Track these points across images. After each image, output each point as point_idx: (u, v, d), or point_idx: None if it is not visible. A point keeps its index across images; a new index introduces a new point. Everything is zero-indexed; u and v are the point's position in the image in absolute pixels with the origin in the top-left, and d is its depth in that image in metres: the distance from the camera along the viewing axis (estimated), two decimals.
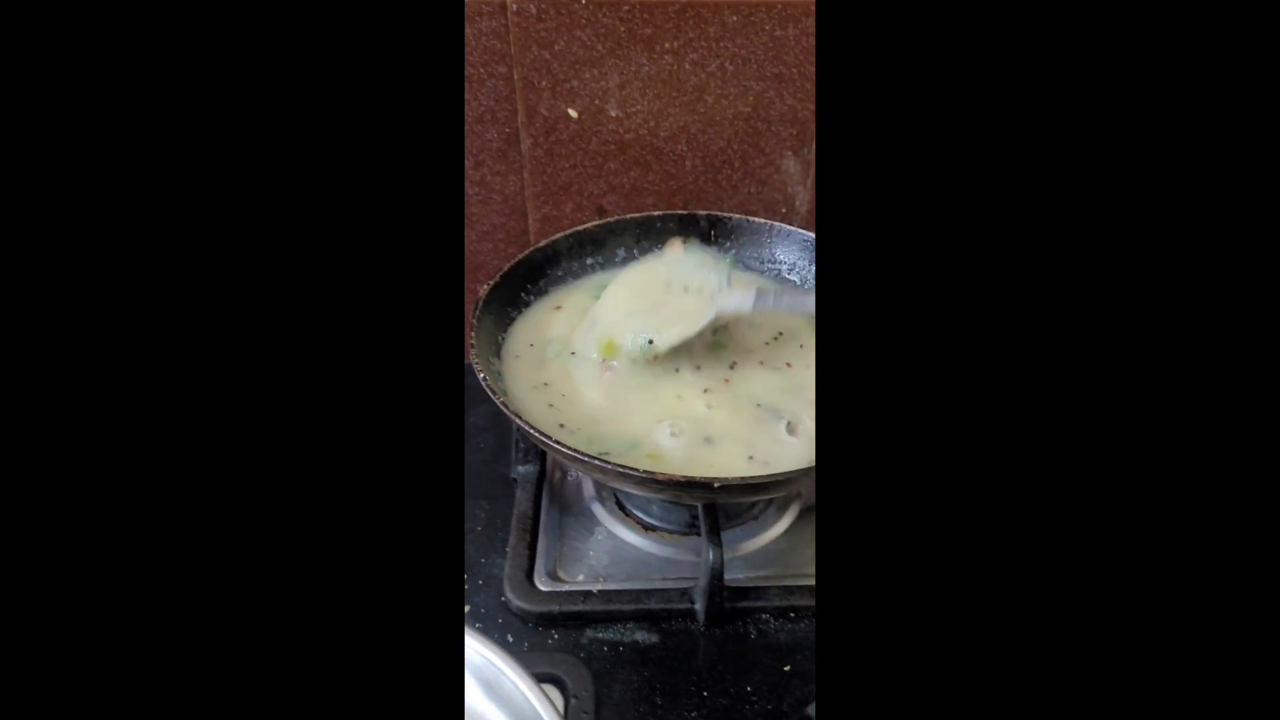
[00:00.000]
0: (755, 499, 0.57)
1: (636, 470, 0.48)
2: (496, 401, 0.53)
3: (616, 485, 0.51)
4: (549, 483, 0.67)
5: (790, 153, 0.81)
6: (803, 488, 0.53)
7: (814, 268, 0.72)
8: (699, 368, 0.62)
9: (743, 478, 0.48)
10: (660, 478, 0.48)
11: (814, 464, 0.49)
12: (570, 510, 0.65)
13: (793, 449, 0.56)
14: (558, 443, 0.50)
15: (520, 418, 0.52)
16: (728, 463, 0.54)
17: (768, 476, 0.48)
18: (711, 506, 0.57)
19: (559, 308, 0.68)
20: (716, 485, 0.48)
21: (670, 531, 0.63)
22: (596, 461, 0.49)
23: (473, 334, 0.59)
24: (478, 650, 0.43)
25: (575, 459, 0.50)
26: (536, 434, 0.51)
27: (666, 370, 0.61)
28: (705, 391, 0.60)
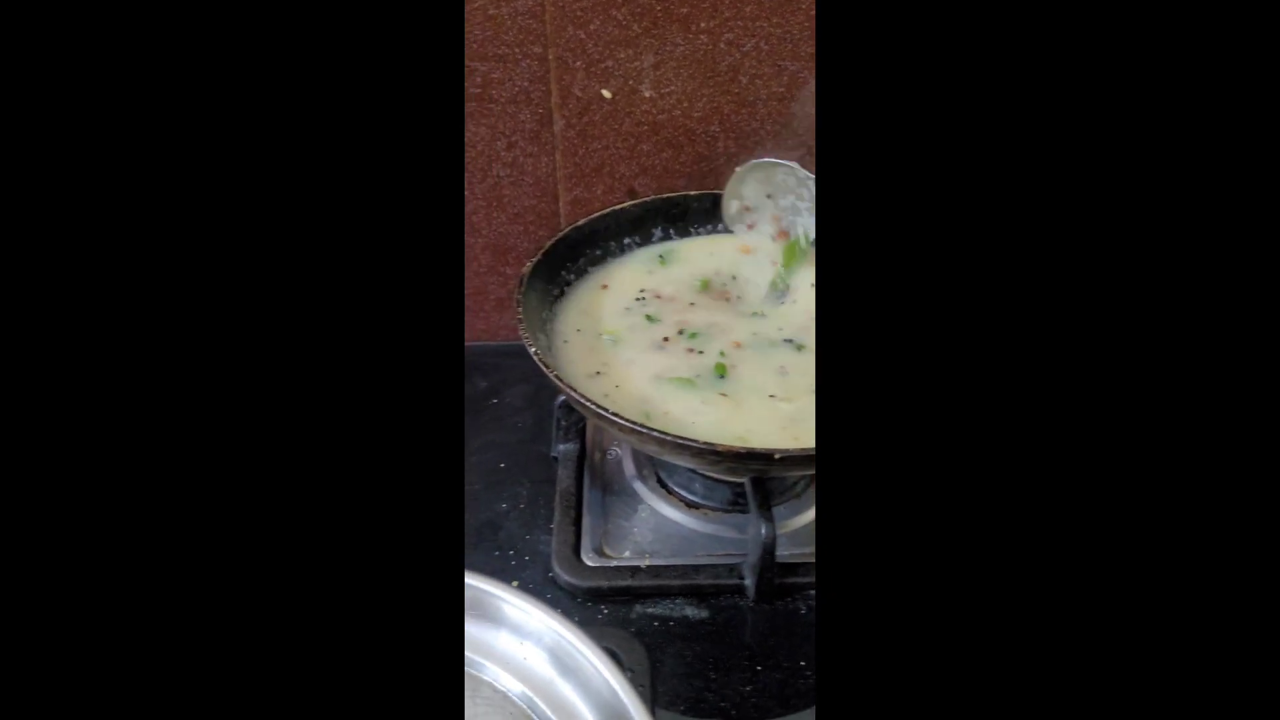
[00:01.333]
0: (808, 472, 0.57)
1: (695, 441, 0.48)
2: (550, 376, 0.53)
3: (672, 459, 0.51)
4: (590, 462, 0.67)
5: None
6: None
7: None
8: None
9: (804, 448, 0.48)
10: (720, 449, 0.48)
11: None
12: (612, 489, 0.65)
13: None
14: (613, 414, 0.50)
15: (575, 390, 0.51)
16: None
17: None
18: (760, 481, 0.57)
19: (605, 286, 0.68)
20: (777, 457, 0.48)
21: (713, 509, 0.63)
22: (654, 433, 0.49)
23: (520, 310, 0.59)
24: (546, 624, 0.43)
25: (631, 430, 0.49)
26: (590, 404, 0.50)
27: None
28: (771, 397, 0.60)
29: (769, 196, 0.71)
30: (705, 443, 0.48)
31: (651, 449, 0.51)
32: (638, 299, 0.68)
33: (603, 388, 0.59)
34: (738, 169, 0.71)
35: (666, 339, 0.63)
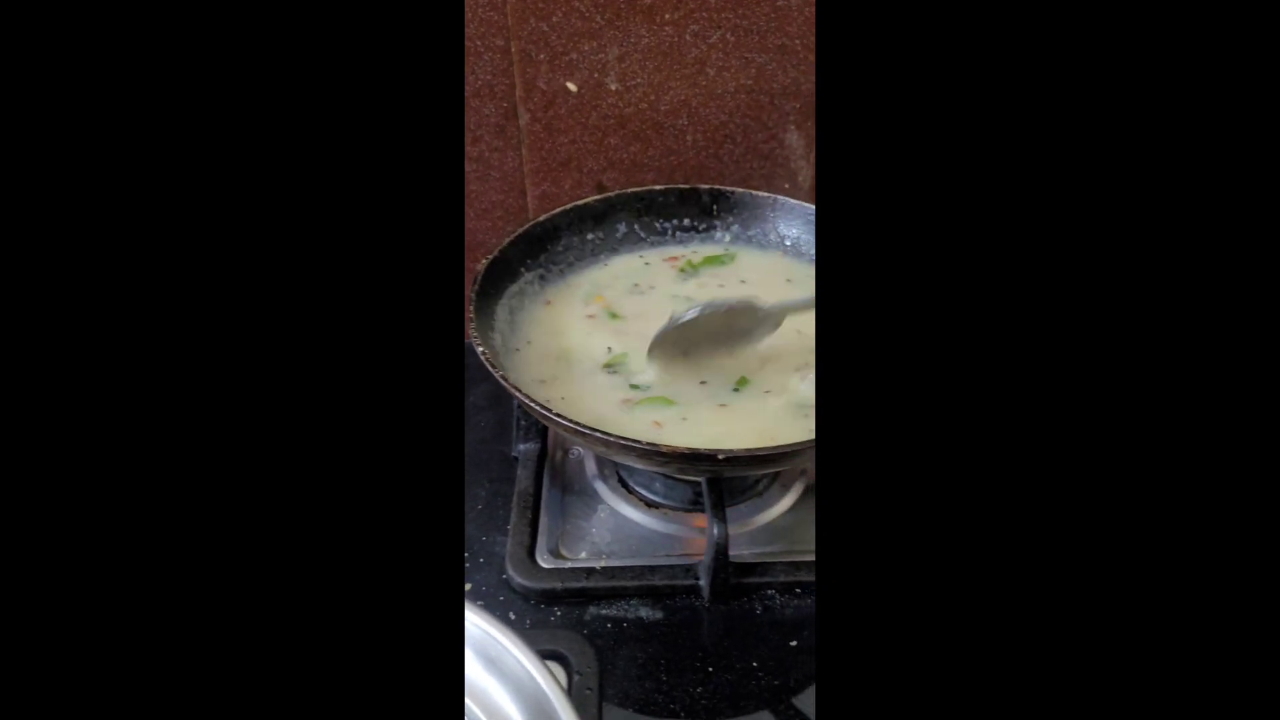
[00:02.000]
0: (761, 472, 0.56)
1: (639, 442, 0.47)
2: (496, 375, 0.52)
3: (619, 459, 0.50)
4: (550, 462, 0.66)
5: (793, 126, 0.80)
6: (809, 462, 0.52)
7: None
8: (703, 382, 0.60)
9: (748, 449, 0.47)
10: (664, 450, 0.47)
11: None
12: (573, 489, 0.65)
13: (801, 425, 0.55)
14: (558, 415, 0.49)
15: (520, 391, 0.51)
16: (735, 440, 0.53)
17: (773, 449, 0.47)
18: (716, 481, 0.56)
19: (549, 303, 0.67)
20: (721, 457, 0.47)
21: (674, 508, 0.62)
22: (598, 434, 0.48)
23: (471, 310, 0.58)
24: (479, 625, 0.43)
25: (577, 431, 0.49)
26: (537, 407, 0.50)
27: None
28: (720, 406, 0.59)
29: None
30: (649, 443, 0.47)
31: (598, 449, 0.50)
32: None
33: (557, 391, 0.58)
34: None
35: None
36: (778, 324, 0.60)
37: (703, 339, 0.59)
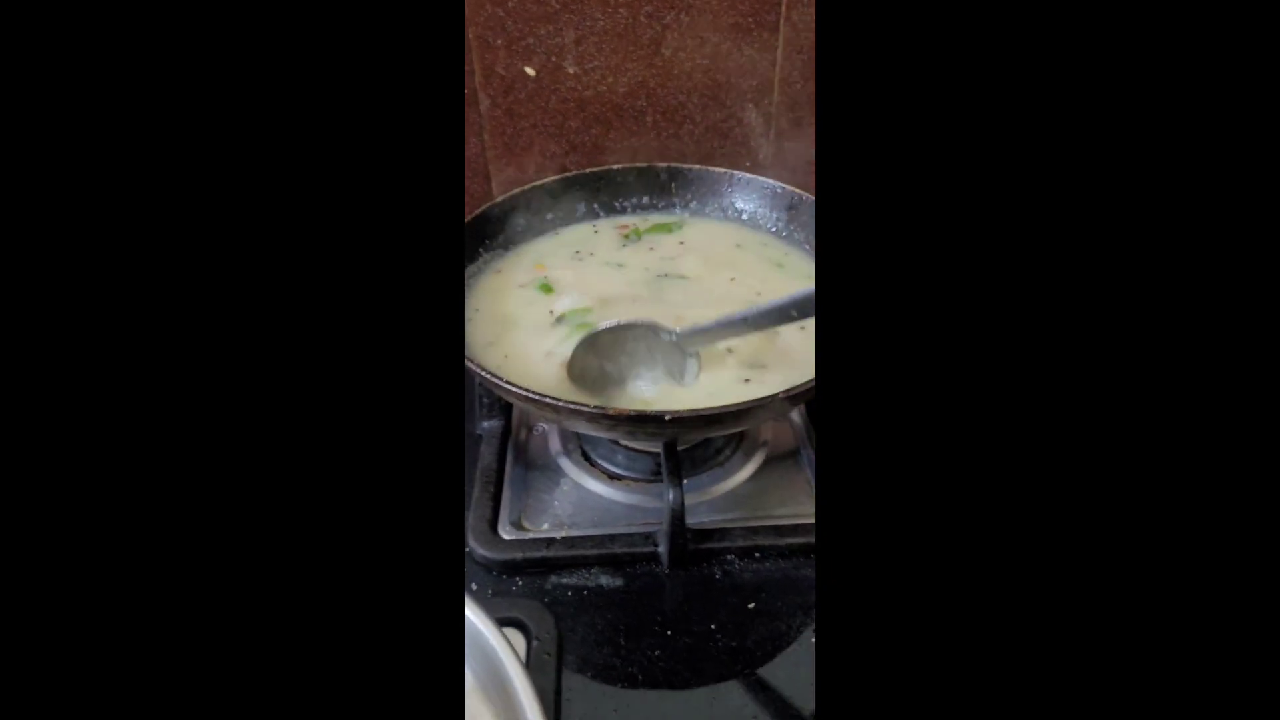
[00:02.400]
0: (710, 434, 0.56)
1: (586, 406, 0.48)
2: None
3: (569, 425, 0.50)
4: (515, 440, 0.67)
5: (751, 105, 0.81)
6: (755, 422, 0.52)
7: (775, 214, 0.71)
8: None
9: (694, 409, 0.48)
10: (611, 413, 0.48)
11: (769, 398, 0.49)
12: (536, 464, 0.65)
13: (753, 391, 0.56)
14: (508, 383, 0.50)
15: (472, 361, 0.51)
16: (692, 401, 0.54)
17: (720, 408, 0.48)
18: (672, 447, 0.57)
19: (498, 272, 0.68)
20: (668, 418, 0.48)
21: (636, 479, 0.63)
22: (548, 400, 0.48)
23: None
24: None
25: (528, 399, 0.49)
26: (489, 376, 0.50)
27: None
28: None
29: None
30: (596, 406, 0.48)
31: (549, 416, 0.50)
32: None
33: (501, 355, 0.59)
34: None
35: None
36: (686, 353, 0.57)
37: (619, 354, 0.57)
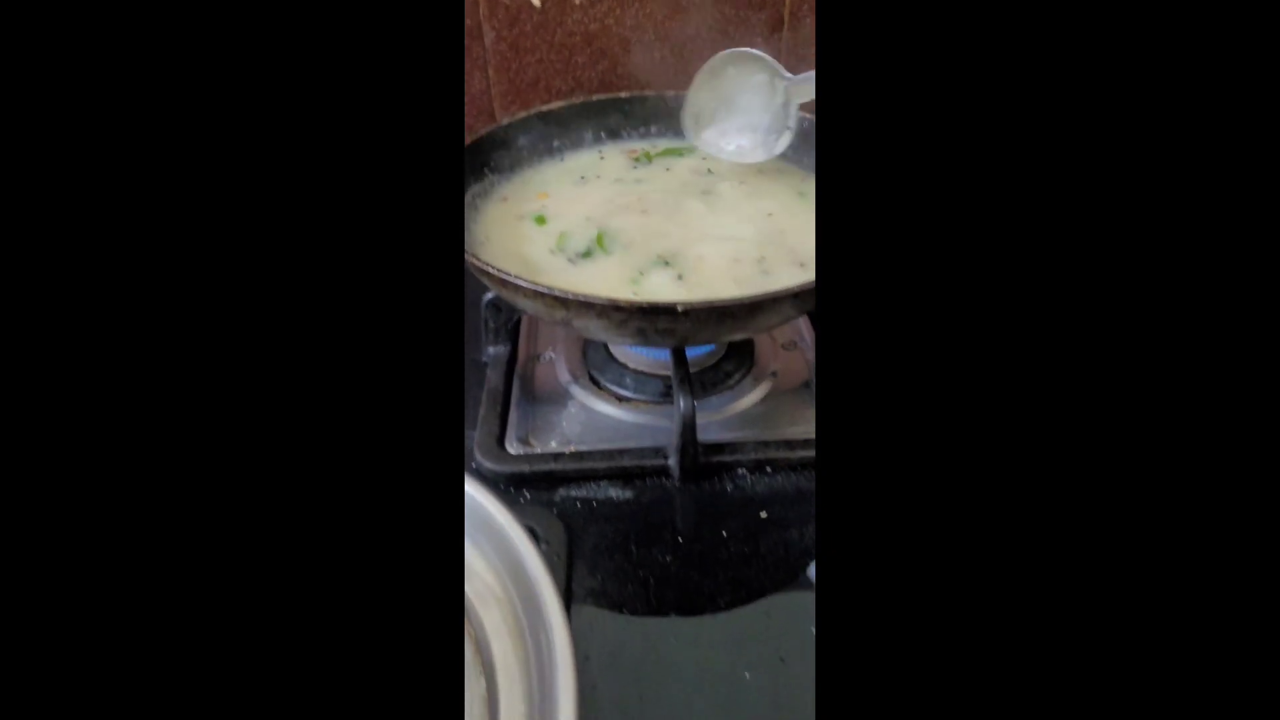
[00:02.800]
0: (722, 335, 0.55)
1: (599, 299, 0.47)
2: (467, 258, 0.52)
3: (579, 322, 0.49)
4: (522, 370, 0.66)
5: (761, 39, 0.80)
6: (772, 322, 0.51)
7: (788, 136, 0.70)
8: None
9: (708, 301, 0.47)
10: (622, 304, 0.47)
11: (781, 291, 0.48)
12: (544, 390, 0.64)
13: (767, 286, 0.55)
14: (515, 276, 0.49)
15: (478, 259, 0.50)
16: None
17: (732, 300, 0.47)
18: (681, 354, 0.56)
19: (504, 199, 0.67)
20: (681, 309, 0.47)
21: (644, 401, 0.62)
22: (555, 292, 0.47)
23: None
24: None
25: (535, 293, 0.48)
26: (495, 271, 0.49)
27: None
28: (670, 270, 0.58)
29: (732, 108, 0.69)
30: (607, 298, 0.47)
31: (558, 314, 0.49)
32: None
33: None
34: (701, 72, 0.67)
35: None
36: (787, 124, 0.66)
37: (737, 92, 0.67)
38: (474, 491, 0.44)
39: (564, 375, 0.65)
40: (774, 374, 0.65)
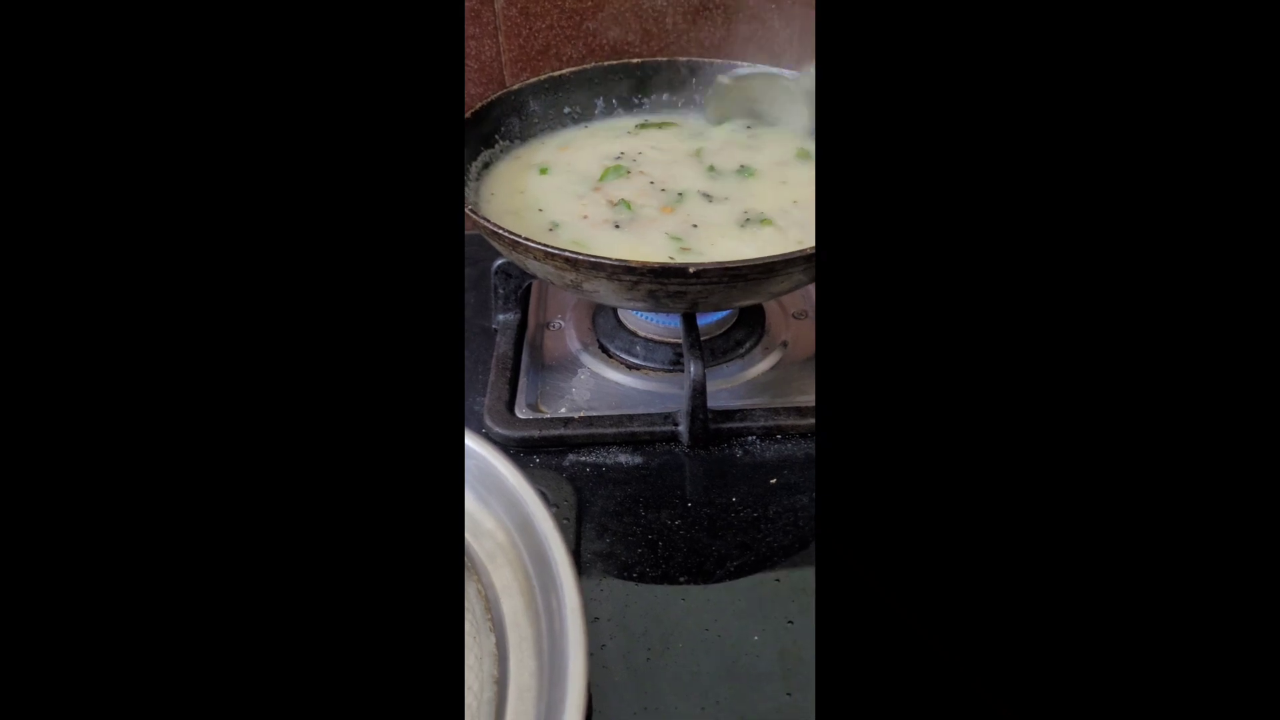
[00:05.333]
0: (733, 299, 0.54)
1: (609, 260, 0.47)
2: (466, 212, 0.51)
3: (589, 285, 0.49)
4: (532, 337, 0.66)
5: (774, 5, 0.79)
6: (785, 286, 0.51)
7: (801, 108, 0.69)
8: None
9: (721, 263, 0.46)
10: (634, 265, 0.47)
11: (795, 253, 0.47)
12: (553, 358, 0.64)
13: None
14: (526, 238, 0.48)
15: (489, 220, 0.50)
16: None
17: (745, 262, 0.47)
18: (692, 320, 0.55)
19: (517, 158, 0.66)
20: (692, 270, 0.46)
21: (654, 369, 0.62)
22: (566, 253, 0.47)
23: None
24: (473, 449, 0.42)
25: (546, 253, 0.48)
26: (506, 233, 0.49)
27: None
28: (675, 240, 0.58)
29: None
30: (618, 260, 0.47)
31: (569, 276, 0.49)
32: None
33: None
34: (721, 80, 0.70)
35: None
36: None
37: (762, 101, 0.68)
38: (485, 452, 0.44)
39: (574, 343, 0.65)
40: (784, 344, 0.65)
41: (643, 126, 0.70)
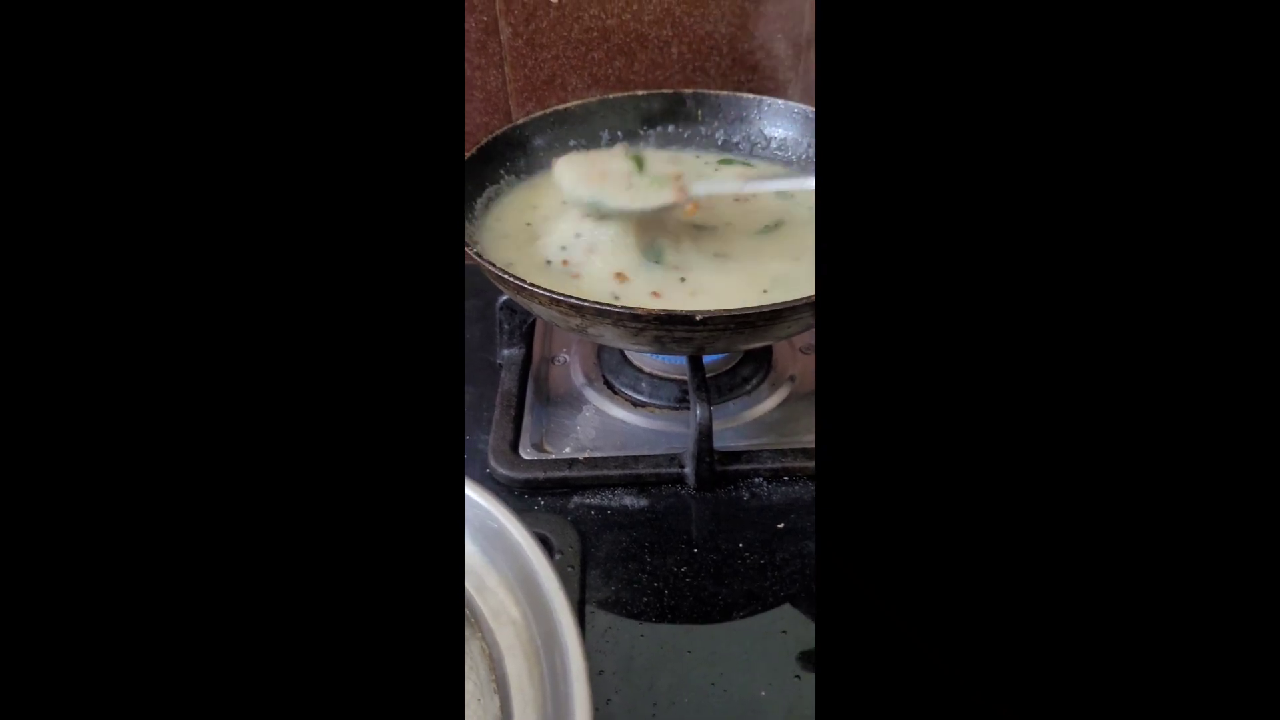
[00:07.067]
0: (739, 343, 0.54)
1: (614, 306, 0.46)
2: (471, 253, 0.51)
3: (594, 330, 0.49)
4: (536, 372, 0.65)
5: (781, 35, 0.78)
6: (790, 330, 0.50)
7: (805, 140, 0.69)
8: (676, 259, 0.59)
9: (727, 310, 0.46)
10: (640, 312, 0.46)
11: (802, 300, 0.47)
12: (558, 393, 0.64)
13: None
14: (531, 284, 0.48)
15: (494, 265, 0.50)
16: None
17: (752, 309, 0.46)
18: (698, 361, 0.55)
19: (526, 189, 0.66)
20: (698, 319, 0.46)
21: (660, 406, 0.61)
22: (570, 299, 0.47)
23: None
24: (473, 499, 0.42)
25: (552, 299, 0.48)
26: (511, 278, 0.49)
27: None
28: (683, 281, 0.57)
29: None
30: (624, 307, 0.46)
31: (574, 321, 0.49)
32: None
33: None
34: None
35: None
36: None
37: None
38: (487, 504, 0.43)
39: (579, 379, 0.65)
40: (792, 378, 0.64)
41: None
